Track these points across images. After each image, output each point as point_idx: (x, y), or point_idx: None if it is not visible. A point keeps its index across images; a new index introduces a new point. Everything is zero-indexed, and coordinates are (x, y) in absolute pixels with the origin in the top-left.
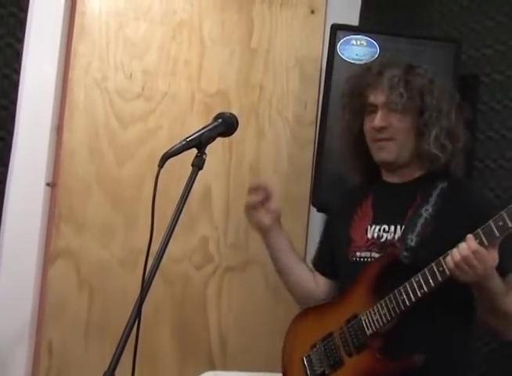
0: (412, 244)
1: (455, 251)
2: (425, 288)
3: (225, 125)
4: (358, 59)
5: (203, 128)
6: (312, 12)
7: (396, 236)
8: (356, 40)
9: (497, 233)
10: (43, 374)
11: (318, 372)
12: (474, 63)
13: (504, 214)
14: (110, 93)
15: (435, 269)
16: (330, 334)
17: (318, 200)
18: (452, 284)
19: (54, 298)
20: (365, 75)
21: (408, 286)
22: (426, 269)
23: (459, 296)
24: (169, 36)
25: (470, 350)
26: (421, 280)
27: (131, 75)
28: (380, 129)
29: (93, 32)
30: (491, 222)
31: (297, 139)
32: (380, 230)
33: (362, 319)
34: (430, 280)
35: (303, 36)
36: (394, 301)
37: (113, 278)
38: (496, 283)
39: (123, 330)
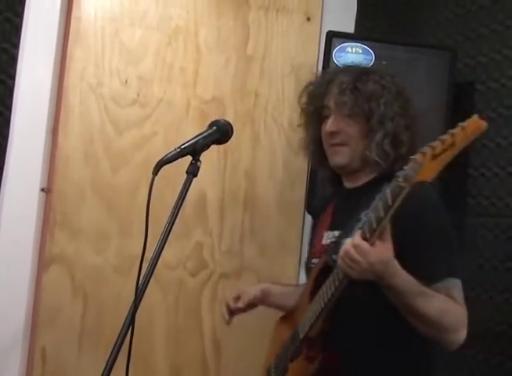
0: None
1: (341, 247)
2: (332, 289)
3: (220, 133)
4: None
5: (197, 136)
6: (308, 19)
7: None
8: (352, 47)
9: (374, 225)
10: None
11: None
12: (470, 70)
13: (379, 203)
14: (106, 99)
15: (339, 269)
16: (285, 342)
17: (312, 206)
18: (373, 286)
19: (48, 304)
20: (320, 83)
21: (324, 288)
22: (334, 270)
23: (383, 298)
24: (165, 42)
25: (412, 352)
26: (331, 281)
27: (126, 81)
28: (332, 134)
29: (89, 37)
30: (371, 214)
31: (292, 146)
32: (332, 237)
33: (299, 324)
34: (336, 281)
35: (299, 43)
36: (316, 305)
37: (107, 284)
38: (403, 281)
39: (117, 336)
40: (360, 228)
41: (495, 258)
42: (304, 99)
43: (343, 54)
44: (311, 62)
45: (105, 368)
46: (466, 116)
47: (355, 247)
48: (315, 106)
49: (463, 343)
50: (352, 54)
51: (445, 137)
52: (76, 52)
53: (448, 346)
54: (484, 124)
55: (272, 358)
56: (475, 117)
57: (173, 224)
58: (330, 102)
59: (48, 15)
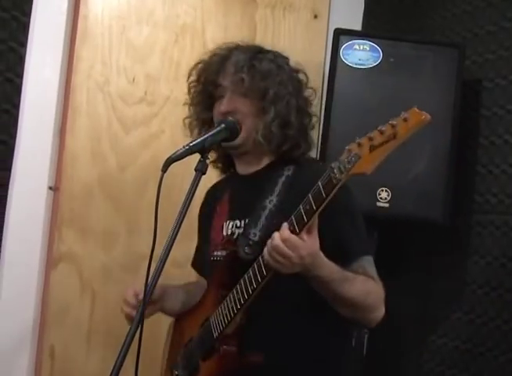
0: (256, 238)
1: (268, 242)
2: (254, 285)
3: (228, 131)
4: (361, 64)
5: (206, 133)
6: (315, 16)
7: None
8: (359, 44)
9: (305, 218)
10: None
11: None
12: (477, 68)
13: (310, 196)
14: (113, 97)
15: (261, 263)
16: (190, 340)
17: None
18: (292, 279)
19: (56, 303)
20: (214, 61)
21: (242, 283)
22: (254, 264)
23: (303, 291)
24: (172, 40)
25: (334, 347)
26: (251, 276)
27: (133, 79)
28: (227, 113)
29: (96, 36)
30: (300, 207)
31: None
32: (233, 226)
33: (211, 321)
34: (258, 276)
35: (306, 41)
36: (232, 301)
37: (115, 283)
38: (328, 271)
39: (125, 335)
40: (289, 221)
41: (504, 256)
42: (194, 78)
43: (350, 51)
44: (319, 60)
45: (113, 368)
46: (474, 113)
47: (285, 241)
48: (207, 84)
49: (474, 341)
50: (360, 51)
51: (385, 128)
52: (83, 51)
53: (370, 324)
54: (427, 116)
55: (173, 358)
56: (415, 108)
57: (182, 222)
58: (225, 80)
59: (55, 14)
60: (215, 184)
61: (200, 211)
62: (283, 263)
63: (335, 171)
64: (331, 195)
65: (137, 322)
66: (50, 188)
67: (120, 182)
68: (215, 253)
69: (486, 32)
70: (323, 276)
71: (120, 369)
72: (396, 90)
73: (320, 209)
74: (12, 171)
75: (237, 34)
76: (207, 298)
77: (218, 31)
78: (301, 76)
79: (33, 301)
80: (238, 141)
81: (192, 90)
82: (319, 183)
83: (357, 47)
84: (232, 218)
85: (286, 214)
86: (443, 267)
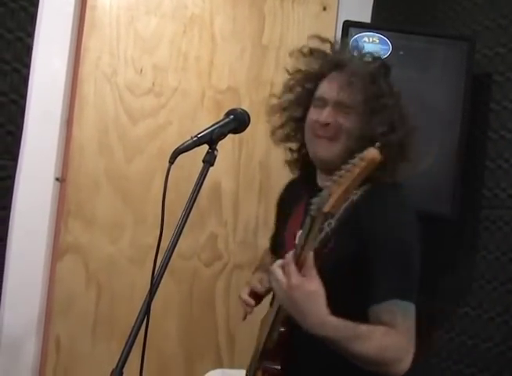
0: None
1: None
2: (277, 306)
3: (237, 122)
4: None
5: (214, 124)
6: (324, 8)
7: None
8: (368, 37)
9: (298, 251)
10: (50, 370)
11: None
12: (488, 61)
13: (301, 231)
14: (120, 88)
15: None
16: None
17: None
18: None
19: (62, 294)
20: (324, 63)
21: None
22: None
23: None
24: (180, 31)
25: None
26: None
27: (141, 70)
28: (325, 125)
29: (104, 26)
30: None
31: None
32: None
33: (264, 334)
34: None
35: (315, 33)
36: (270, 317)
37: (121, 274)
38: (334, 330)
39: (131, 326)
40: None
41: None
42: (299, 71)
43: (359, 44)
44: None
45: (119, 359)
46: (484, 107)
47: (283, 266)
48: (310, 86)
49: (481, 336)
50: (369, 44)
51: (350, 167)
52: (91, 41)
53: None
54: (378, 156)
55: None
56: (371, 149)
57: (189, 213)
58: (333, 90)
59: (63, 4)
60: (296, 181)
61: (280, 200)
62: (275, 287)
63: (313, 207)
64: (313, 232)
65: (143, 313)
66: (57, 179)
67: (127, 173)
68: None
69: (497, 25)
70: (328, 336)
71: (126, 359)
72: (405, 83)
73: (309, 245)
74: (19, 161)
75: (246, 26)
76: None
77: (226, 23)
78: (396, 89)
79: (39, 292)
80: (328, 156)
81: (292, 82)
82: (306, 218)
83: (366, 39)
84: None
85: (337, 241)
86: (451, 262)
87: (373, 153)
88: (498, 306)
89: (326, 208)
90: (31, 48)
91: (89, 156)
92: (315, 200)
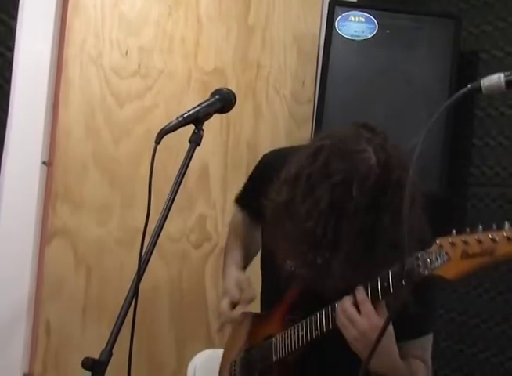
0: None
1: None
2: (319, 331)
3: (223, 101)
4: (357, 36)
5: (200, 104)
6: None
7: None
8: (355, 16)
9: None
10: (41, 354)
11: None
12: (474, 39)
13: (390, 275)
14: (106, 71)
15: (329, 313)
16: (251, 348)
17: None
18: None
19: (51, 278)
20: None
21: (309, 321)
22: (328, 308)
23: None
24: (165, 12)
25: None
26: (318, 320)
27: (126, 52)
28: None
29: (88, 8)
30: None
31: (295, 117)
32: None
33: (273, 342)
34: (324, 324)
35: (301, 12)
36: (296, 334)
37: (110, 257)
38: (400, 368)
39: (120, 308)
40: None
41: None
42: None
43: (346, 23)
44: (314, 31)
45: (109, 340)
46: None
47: (356, 305)
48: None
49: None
50: (355, 23)
51: (484, 238)
52: (75, 23)
53: None
54: None
55: (234, 353)
56: None
57: (175, 195)
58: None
59: None
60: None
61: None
62: (347, 328)
63: (420, 263)
64: (409, 285)
65: (131, 294)
66: (44, 163)
67: (114, 156)
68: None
69: (483, 3)
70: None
71: (115, 340)
72: (392, 62)
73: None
74: (5, 146)
75: (231, 7)
76: (276, 313)
77: (211, 3)
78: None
79: (28, 276)
80: None
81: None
82: (393, 270)
83: (352, 18)
84: None
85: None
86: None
87: None
88: (486, 282)
89: (441, 271)
90: (15, 31)
91: (76, 139)
92: (422, 254)
